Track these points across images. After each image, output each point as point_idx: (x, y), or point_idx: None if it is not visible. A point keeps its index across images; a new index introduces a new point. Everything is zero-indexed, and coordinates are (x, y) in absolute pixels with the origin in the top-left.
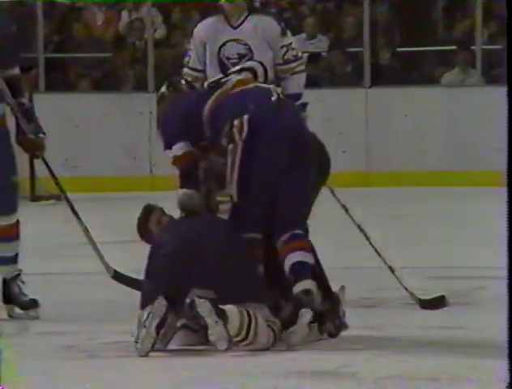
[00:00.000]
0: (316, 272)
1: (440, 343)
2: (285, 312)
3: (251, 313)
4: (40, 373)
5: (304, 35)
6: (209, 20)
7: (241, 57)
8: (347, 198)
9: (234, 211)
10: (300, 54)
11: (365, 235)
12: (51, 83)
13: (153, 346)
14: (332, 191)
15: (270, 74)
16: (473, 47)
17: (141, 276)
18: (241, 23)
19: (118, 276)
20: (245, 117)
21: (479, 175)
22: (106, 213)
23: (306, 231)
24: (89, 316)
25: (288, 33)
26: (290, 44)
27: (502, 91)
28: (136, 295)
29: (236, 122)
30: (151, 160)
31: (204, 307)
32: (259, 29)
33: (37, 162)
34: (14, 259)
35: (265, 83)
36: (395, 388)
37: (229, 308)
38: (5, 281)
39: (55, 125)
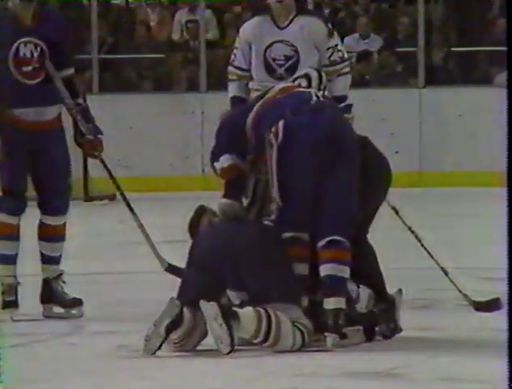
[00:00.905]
0: (368, 272)
1: (494, 345)
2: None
3: (271, 313)
4: (93, 372)
5: (357, 35)
6: (255, 20)
7: (287, 58)
8: (400, 199)
9: (278, 212)
10: (346, 56)
11: (416, 237)
12: (104, 84)
13: (160, 346)
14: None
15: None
16: None
17: None
18: (288, 24)
19: (171, 269)
20: (281, 122)
21: None
22: (158, 213)
23: (349, 238)
24: (140, 316)
25: (335, 34)
26: (336, 45)
27: None
28: None
29: (273, 129)
30: (203, 159)
31: (210, 311)
32: (306, 31)
33: (91, 162)
34: (57, 260)
35: (319, 88)
36: None
37: (244, 311)
38: (46, 281)
39: (108, 125)
